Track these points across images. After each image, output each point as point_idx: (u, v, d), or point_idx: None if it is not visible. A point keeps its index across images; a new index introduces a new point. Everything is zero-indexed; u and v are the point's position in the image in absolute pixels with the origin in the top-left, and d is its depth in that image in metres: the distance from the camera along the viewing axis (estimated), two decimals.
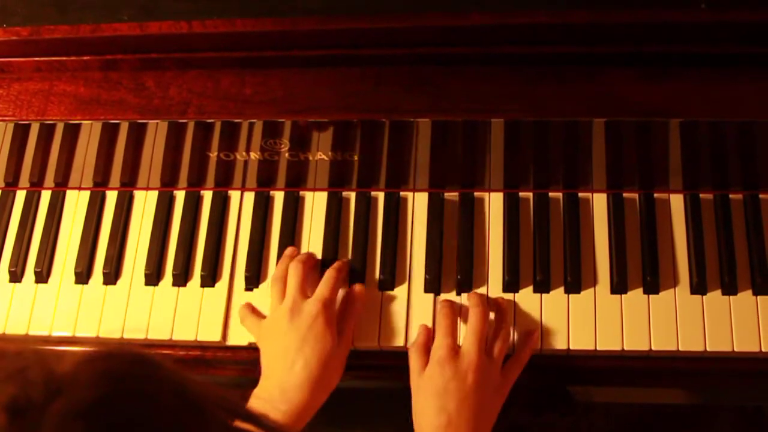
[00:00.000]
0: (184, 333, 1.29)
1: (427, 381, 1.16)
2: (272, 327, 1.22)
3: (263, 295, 1.30)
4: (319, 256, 1.32)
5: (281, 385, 1.15)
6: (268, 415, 0.77)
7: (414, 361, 1.20)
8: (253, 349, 1.29)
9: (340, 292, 1.26)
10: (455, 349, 1.17)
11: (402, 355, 1.24)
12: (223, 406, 0.71)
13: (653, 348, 1.22)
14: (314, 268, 1.29)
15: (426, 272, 1.28)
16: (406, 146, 1.24)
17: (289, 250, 1.30)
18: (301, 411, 1.14)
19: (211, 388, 0.71)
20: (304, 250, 1.32)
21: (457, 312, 1.24)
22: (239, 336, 1.28)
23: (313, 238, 1.33)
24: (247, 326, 1.27)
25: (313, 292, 1.23)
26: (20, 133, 1.26)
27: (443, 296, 1.28)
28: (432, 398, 1.14)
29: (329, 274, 1.25)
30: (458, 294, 1.28)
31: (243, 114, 1.18)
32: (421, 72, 1.17)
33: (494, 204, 1.32)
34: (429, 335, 1.23)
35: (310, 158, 1.27)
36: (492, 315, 1.24)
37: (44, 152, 1.31)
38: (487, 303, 1.24)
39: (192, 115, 1.18)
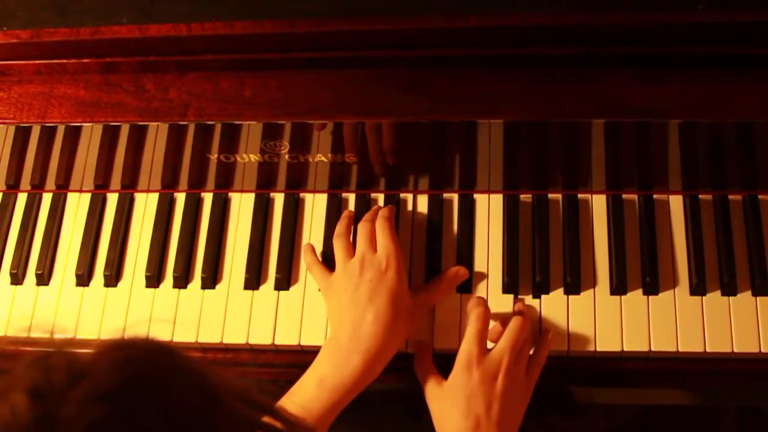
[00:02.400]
0: (185, 335, 1.29)
1: (452, 385, 1.17)
2: (342, 281, 1.23)
3: (265, 296, 1.31)
4: (320, 257, 1.32)
5: (353, 336, 1.16)
6: (285, 409, 0.78)
7: (425, 376, 1.21)
8: (254, 351, 1.29)
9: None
10: (483, 354, 1.17)
11: (404, 356, 1.24)
12: (242, 398, 0.72)
13: (653, 349, 1.22)
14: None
15: (426, 273, 1.29)
16: (404, 148, 1.25)
17: (345, 213, 1.32)
18: (374, 358, 1.16)
19: (230, 380, 0.72)
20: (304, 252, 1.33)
21: (488, 320, 1.22)
22: (239, 337, 1.28)
23: (313, 241, 1.33)
24: (314, 275, 1.29)
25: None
26: (21, 136, 1.27)
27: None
28: (459, 402, 1.14)
29: (381, 224, 1.26)
30: (458, 292, 1.28)
31: (242, 116, 1.18)
32: (419, 74, 1.17)
33: (494, 205, 1.32)
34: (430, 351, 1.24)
35: (310, 160, 1.28)
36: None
37: (45, 155, 1.32)
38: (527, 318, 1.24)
39: (192, 117, 1.18)
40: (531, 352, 1.23)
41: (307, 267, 1.30)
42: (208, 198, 1.37)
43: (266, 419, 0.74)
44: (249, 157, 1.28)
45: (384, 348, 1.16)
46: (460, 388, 1.16)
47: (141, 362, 0.65)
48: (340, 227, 1.30)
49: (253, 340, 1.28)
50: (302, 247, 1.32)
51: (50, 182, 1.39)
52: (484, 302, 1.23)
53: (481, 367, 1.16)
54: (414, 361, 1.24)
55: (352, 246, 1.27)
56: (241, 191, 1.37)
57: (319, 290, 1.29)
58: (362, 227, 1.27)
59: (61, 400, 0.60)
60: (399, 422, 1.20)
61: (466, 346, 1.18)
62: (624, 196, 1.30)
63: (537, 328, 1.25)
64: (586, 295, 1.26)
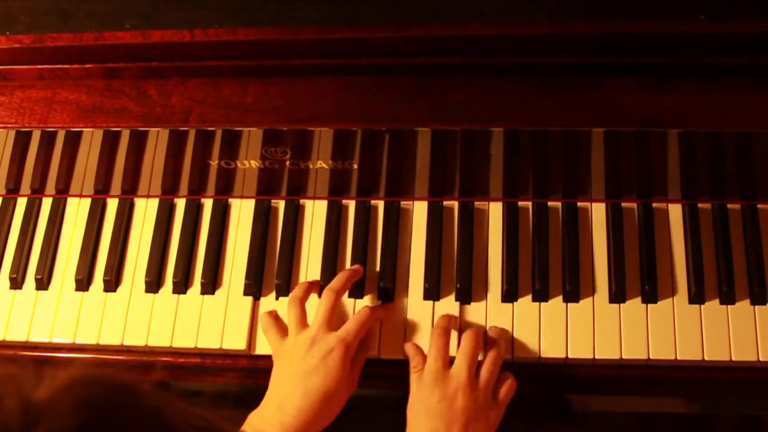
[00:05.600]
0: (184, 340, 1.29)
1: (418, 401, 1.17)
2: (290, 351, 1.21)
3: (265, 303, 1.31)
4: (318, 264, 1.32)
5: (280, 408, 1.15)
6: None
7: (413, 383, 1.20)
8: (252, 357, 1.29)
9: None
10: (444, 371, 1.17)
11: (401, 363, 1.24)
12: (203, 429, 0.71)
13: (651, 357, 1.22)
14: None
15: (425, 281, 1.29)
16: (406, 155, 1.25)
17: (314, 281, 1.29)
18: None
19: (190, 413, 0.71)
20: (304, 258, 1.33)
21: (450, 332, 1.23)
22: (238, 343, 1.28)
23: (313, 247, 1.34)
24: (268, 339, 1.26)
25: (337, 321, 1.22)
26: (22, 141, 1.27)
27: (443, 300, 1.28)
28: (422, 418, 1.15)
29: (363, 312, 1.23)
30: (457, 300, 1.28)
31: (244, 122, 1.18)
32: (421, 82, 1.18)
33: (494, 213, 1.33)
34: (423, 357, 1.22)
35: (311, 167, 1.28)
36: (486, 339, 1.25)
37: (46, 160, 1.32)
38: (480, 331, 1.24)
39: (194, 123, 1.18)
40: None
41: (262, 330, 1.28)
42: (208, 204, 1.37)
43: None
44: (250, 164, 1.28)
45: (307, 426, 1.14)
46: (423, 404, 1.16)
47: (97, 402, 0.63)
48: (297, 291, 1.26)
49: (253, 347, 1.28)
50: (260, 315, 1.29)
51: (50, 187, 1.39)
52: (446, 319, 1.24)
53: (441, 385, 1.16)
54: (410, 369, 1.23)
55: (306, 313, 1.24)
56: (242, 197, 1.37)
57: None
58: (325, 297, 1.23)
59: None
60: (397, 430, 1.19)
61: (428, 364, 1.19)
62: (623, 204, 1.31)
63: (538, 336, 1.25)
64: (585, 303, 1.26)
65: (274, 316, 1.27)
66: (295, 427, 1.13)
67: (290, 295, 1.27)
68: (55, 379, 0.63)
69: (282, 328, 1.25)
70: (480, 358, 1.21)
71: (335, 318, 1.23)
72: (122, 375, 0.68)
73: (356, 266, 1.30)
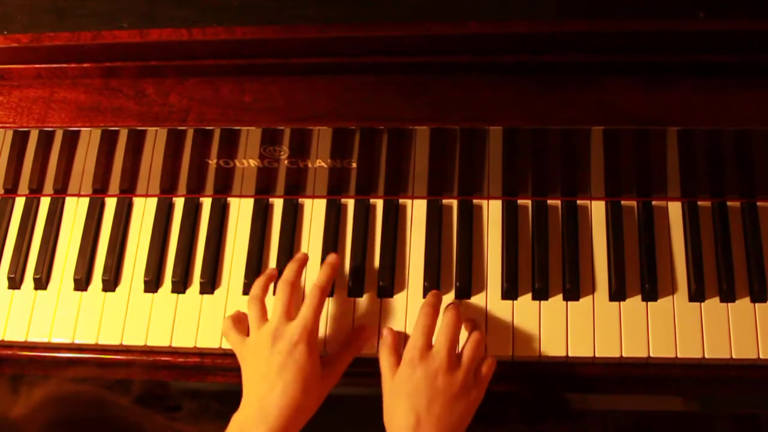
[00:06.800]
0: (183, 340, 1.29)
1: (398, 381, 1.17)
2: (254, 349, 1.19)
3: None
4: (318, 262, 1.32)
5: (261, 409, 1.13)
6: None
7: (384, 360, 1.20)
8: None
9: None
10: (427, 351, 1.17)
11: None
12: None
13: (652, 355, 1.22)
14: (299, 284, 1.27)
15: (425, 279, 1.29)
16: (404, 154, 1.25)
17: (267, 271, 1.29)
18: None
19: (172, 429, 0.70)
20: None
21: (438, 312, 1.23)
22: None
23: (312, 246, 1.33)
24: (230, 342, 1.24)
25: (297, 310, 1.21)
26: (20, 140, 1.27)
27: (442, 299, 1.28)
28: (403, 398, 1.14)
29: (312, 293, 1.21)
30: (456, 298, 1.28)
31: (242, 121, 1.18)
32: (420, 80, 1.17)
33: (493, 211, 1.32)
34: (396, 336, 1.23)
35: (309, 165, 1.28)
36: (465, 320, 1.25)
37: (44, 159, 1.31)
38: (461, 308, 1.24)
39: (192, 122, 1.18)
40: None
41: (222, 333, 1.26)
42: (206, 203, 1.37)
43: None
44: (248, 163, 1.28)
45: (289, 423, 1.13)
46: (404, 383, 1.16)
47: (71, 420, 0.63)
48: (255, 289, 1.25)
49: None
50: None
51: (48, 187, 1.39)
52: (434, 300, 1.23)
53: (423, 364, 1.16)
54: (378, 348, 1.23)
55: (266, 310, 1.23)
56: (240, 196, 1.37)
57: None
58: (281, 290, 1.22)
59: None
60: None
61: (411, 342, 1.19)
62: (623, 202, 1.31)
63: (538, 335, 1.25)
64: (585, 301, 1.26)
65: (234, 318, 1.26)
66: (279, 426, 1.12)
67: (251, 293, 1.26)
68: (31, 397, 0.63)
69: (243, 329, 1.24)
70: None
71: (294, 308, 1.22)
72: (99, 391, 0.68)
73: (300, 254, 1.29)
